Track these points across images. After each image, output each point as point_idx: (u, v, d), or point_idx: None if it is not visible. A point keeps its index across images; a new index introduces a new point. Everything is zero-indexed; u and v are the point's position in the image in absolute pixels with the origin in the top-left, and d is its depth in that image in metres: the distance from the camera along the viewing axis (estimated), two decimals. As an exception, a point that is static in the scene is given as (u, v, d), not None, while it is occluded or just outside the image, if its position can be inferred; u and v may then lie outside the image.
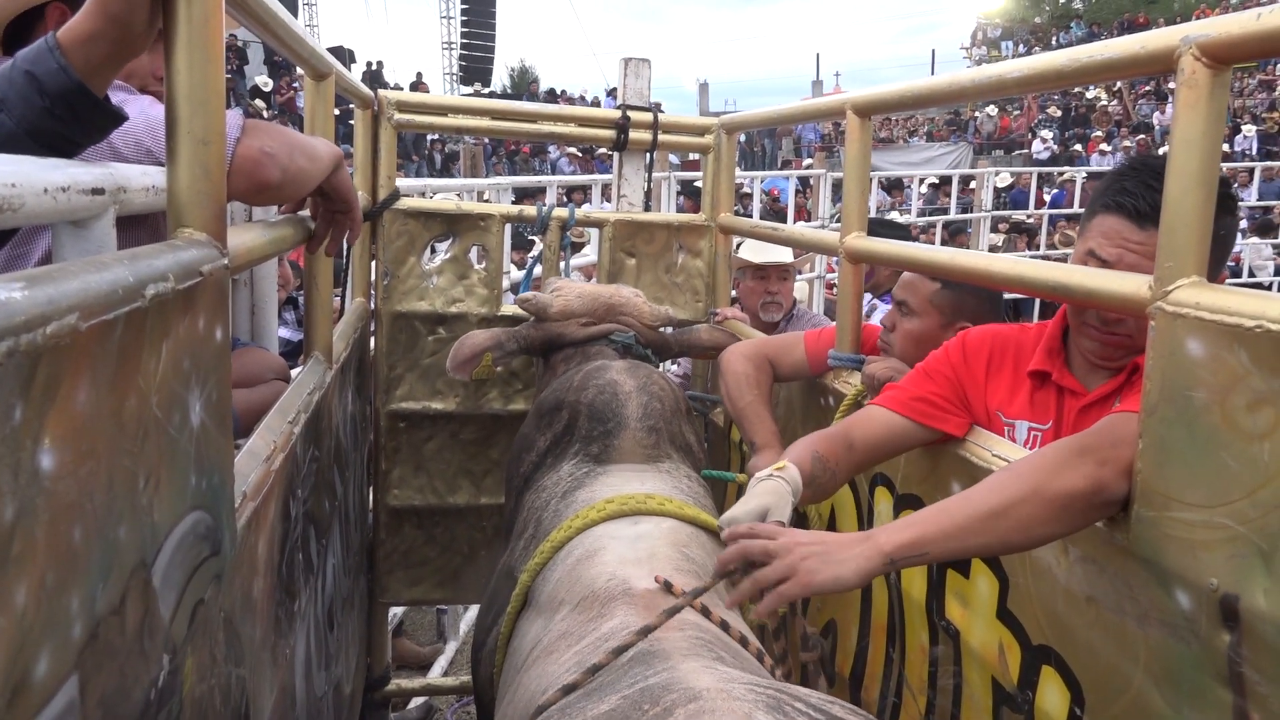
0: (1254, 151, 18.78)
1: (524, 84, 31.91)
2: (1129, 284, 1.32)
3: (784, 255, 3.43)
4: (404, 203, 2.94)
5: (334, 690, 2.22)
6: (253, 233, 1.26)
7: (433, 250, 3.07)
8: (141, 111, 1.36)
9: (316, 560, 1.88)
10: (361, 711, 3.15)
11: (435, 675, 3.98)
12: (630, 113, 3.12)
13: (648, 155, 3.19)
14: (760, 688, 1.14)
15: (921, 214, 11.45)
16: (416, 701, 4.02)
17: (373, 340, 3.01)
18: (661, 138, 3.14)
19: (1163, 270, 1.24)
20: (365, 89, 2.74)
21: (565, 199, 11.71)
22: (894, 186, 14.05)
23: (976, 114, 25.11)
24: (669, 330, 2.72)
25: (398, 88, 19.93)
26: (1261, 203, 11.47)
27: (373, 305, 2.98)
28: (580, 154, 16.91)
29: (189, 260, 0.92)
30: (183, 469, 0.91)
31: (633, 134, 3.10)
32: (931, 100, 1.92)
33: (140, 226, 1.36)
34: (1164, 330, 1.23)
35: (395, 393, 3.02)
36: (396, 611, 3.92)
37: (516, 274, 4.10)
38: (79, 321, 0.65)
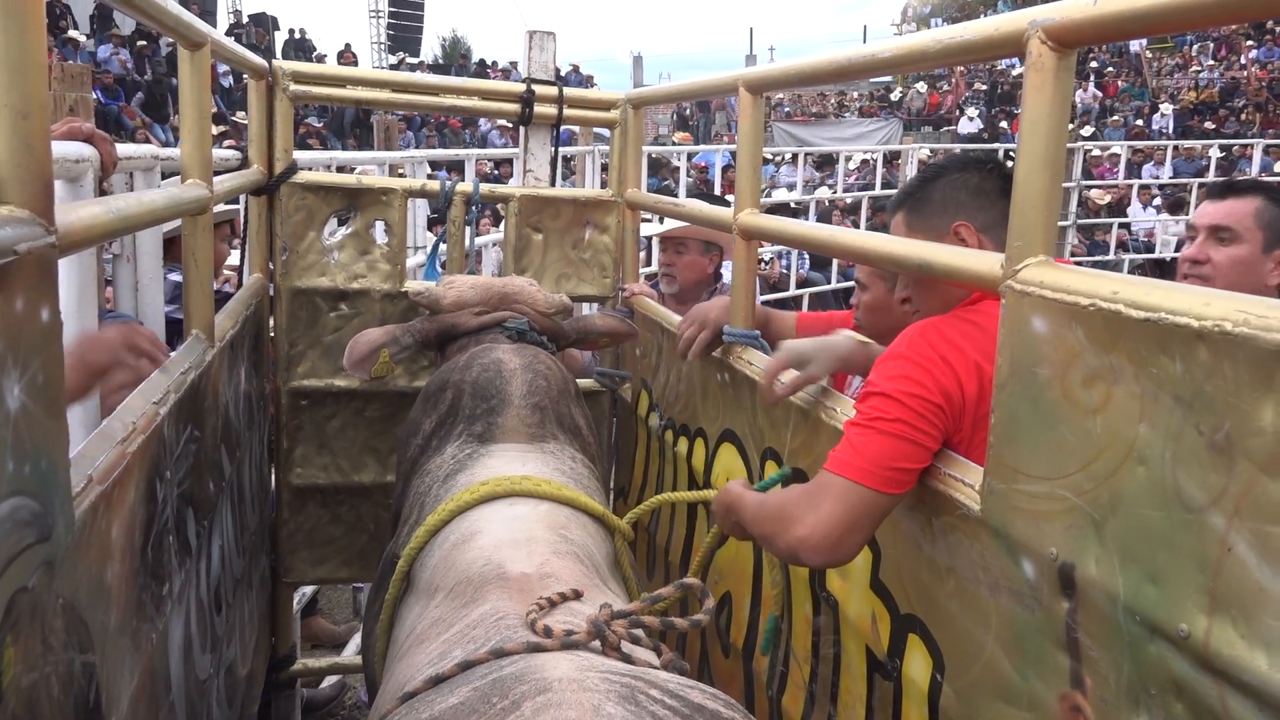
0: (1170, 130, 19.37)
1: (455, 54, 31.32)
2: (984, 263, 1.35)
3: (674, 226, 3.42)
4: (302, 176, 2.88)
5: (225, 672, 2.19)
6: (93, 209, 1.22)
7: (339, 223, 3.01)
8: None
9: (197, 542, 1.84)
10: (267, 691, 3.11)
11: (349, 653, 3.95)
12: (535, 86, 3.08)
13: (553, 130, 3.17)
14: (616, 676, 1.12)
15: (849, 190, 11.54)
16: (331, 679, 3.99)
17: (272, 317, 2.95)
18: (567, 112, 3.11)
19: (1012, 249, 1.27)
20: (256, 59, 2.67)
21: (494, 172, 11.52)
22: (824, 162, 14.15)
23: (906, 90, 25.36)
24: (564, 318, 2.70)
25: (323, 58, 19.45)
26: (1174, 180, 11.79)
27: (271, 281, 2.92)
28: (510, 126, 16.63)
29: (2, 239, 0.89)
30: (-5, 454, 0.88)
31: (537, 108, 3.07)
32: (816, 78, 1.93)
33: None
34: (1013, 308, 1.26)
35: (296, 370, 2.97)
36: (307, 590, 3.88)
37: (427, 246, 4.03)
38: None
